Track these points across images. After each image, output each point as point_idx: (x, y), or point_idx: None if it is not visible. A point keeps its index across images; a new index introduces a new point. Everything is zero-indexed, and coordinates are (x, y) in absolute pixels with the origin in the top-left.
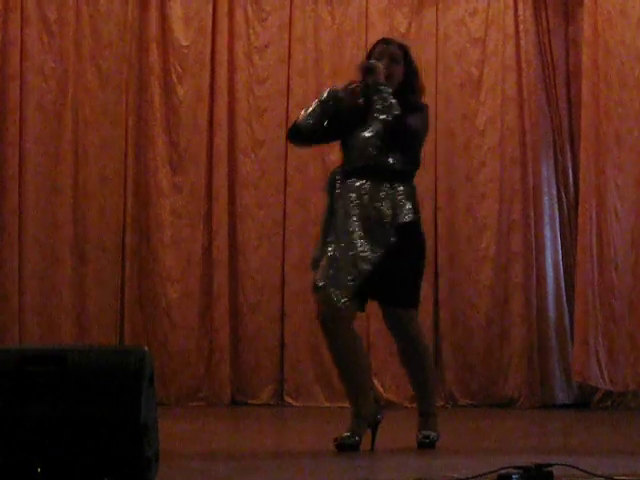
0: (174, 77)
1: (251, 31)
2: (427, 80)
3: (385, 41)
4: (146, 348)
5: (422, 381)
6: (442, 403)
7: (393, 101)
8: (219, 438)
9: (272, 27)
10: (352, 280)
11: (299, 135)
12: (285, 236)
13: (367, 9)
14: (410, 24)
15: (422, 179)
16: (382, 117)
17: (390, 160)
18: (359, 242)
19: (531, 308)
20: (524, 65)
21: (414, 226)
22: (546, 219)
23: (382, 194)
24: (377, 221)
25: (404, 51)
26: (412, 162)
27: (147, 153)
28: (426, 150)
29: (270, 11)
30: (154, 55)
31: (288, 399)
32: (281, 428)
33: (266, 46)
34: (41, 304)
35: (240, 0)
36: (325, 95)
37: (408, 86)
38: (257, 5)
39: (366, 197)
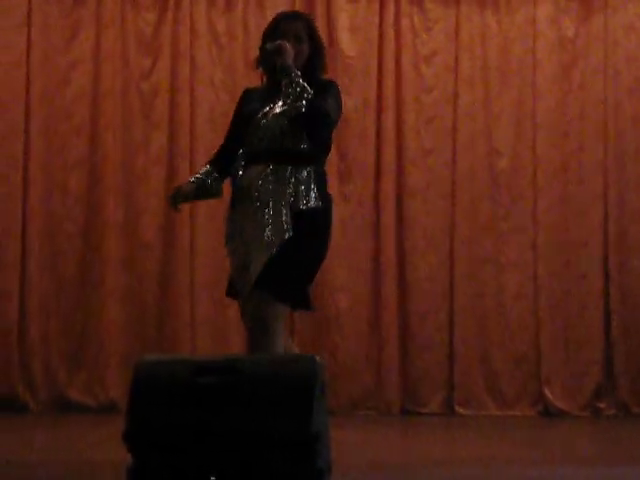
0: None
1: (417, 40)
2: (596, 85)
3: (288, 16)
4: (318, 357)
5: None
6: (614, 411)
7: (305, 85)
8: (389, 447)
9: (439, 36)
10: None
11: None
12: (453, 245)
13: (534, 16)
14: (578, 30)
15: (589, 186)
16: (296, 103)
17: (299, 144)
18: (261, 233)
19: None
20: None
21: (317, 214)
22: None
23: (286, 178)
24: (278, 208)
25: (309, 27)
26: (323, 146)
27: None
28: (594, 156)
29: (436, 20)
30: None
31: (458, 408)
32: (451, 437)
33: (433, 55)
34: (212, 315)
35: (406, 10)
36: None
37: (314, 64)
38: (423, 14)
39: (269, 181)
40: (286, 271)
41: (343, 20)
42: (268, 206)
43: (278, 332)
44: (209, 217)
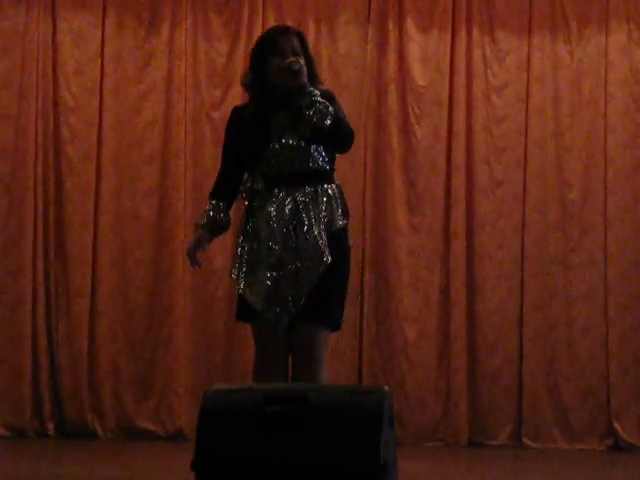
0: (412, 118)
1: (489, 71)
2: None
3: (282, 31)
4: (386, 388)
5: None
6: None
7: (327, 103)
8: (456, 479)
9: (510, 67)
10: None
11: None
12: (523, 277)
13: (607, 48)
14: None
15: None
16: (322, 122)
17: (319, 162)
18: (298, 262)
19: None
20: None
21: (343, 232)
22: None
23: (320, 199)
24: (314, 233)
25: (301, 40)
26: (334, 158)
27: (385, 193)
28: None
29: (508, 51)
30: (392, 96)
31: (526, 440)
32: (518, 470)
33: (504, 86)
34: None
35: (478, 40)
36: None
37: (311, 76)
38: (495, 45)
39: (302, 205)
40: (329, 298)
41: (415, 50)
42: (303, 231)
43: (325, 359)
44: None
